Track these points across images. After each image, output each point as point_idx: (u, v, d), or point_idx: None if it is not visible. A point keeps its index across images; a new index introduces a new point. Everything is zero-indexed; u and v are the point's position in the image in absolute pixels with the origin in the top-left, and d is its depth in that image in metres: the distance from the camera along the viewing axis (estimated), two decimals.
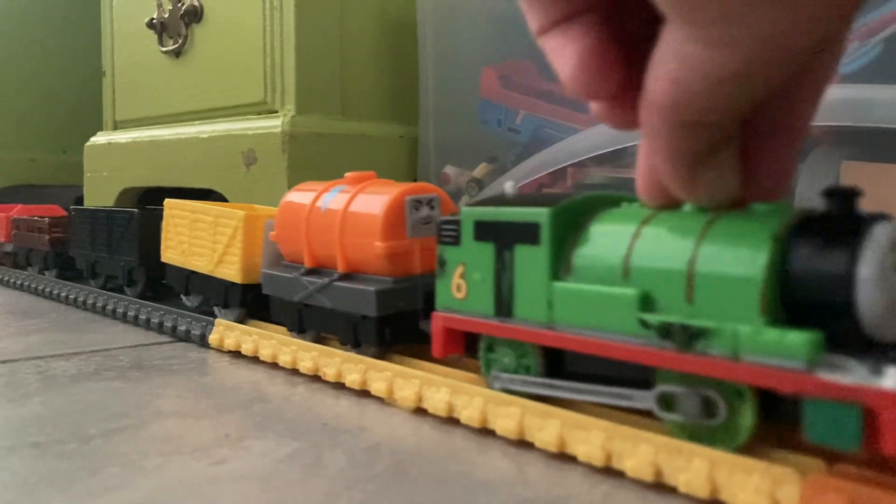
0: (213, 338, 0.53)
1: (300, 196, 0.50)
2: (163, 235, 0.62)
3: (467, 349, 0.38)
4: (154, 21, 1.08)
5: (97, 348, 0.54)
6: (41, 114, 1.83)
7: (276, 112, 0.90)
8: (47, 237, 0.83)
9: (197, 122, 1.01)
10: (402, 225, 0.43)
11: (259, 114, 0.92)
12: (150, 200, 1.22)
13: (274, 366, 0.49)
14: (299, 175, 0.85)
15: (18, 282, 0.85)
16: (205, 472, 0.31)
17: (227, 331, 0.53)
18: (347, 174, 0.49)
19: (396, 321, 0.44)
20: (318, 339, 0.48)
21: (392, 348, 0.44)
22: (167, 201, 0.62)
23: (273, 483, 0.30)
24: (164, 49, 1.07)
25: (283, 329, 0.51)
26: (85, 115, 1.69)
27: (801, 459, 0.27)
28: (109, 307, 0.66)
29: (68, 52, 1.84)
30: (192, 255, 0.59)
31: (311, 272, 0.47)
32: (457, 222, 0.37)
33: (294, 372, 0.47)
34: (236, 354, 0.52)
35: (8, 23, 1.80)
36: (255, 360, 0.50)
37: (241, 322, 0.54)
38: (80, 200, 1.31)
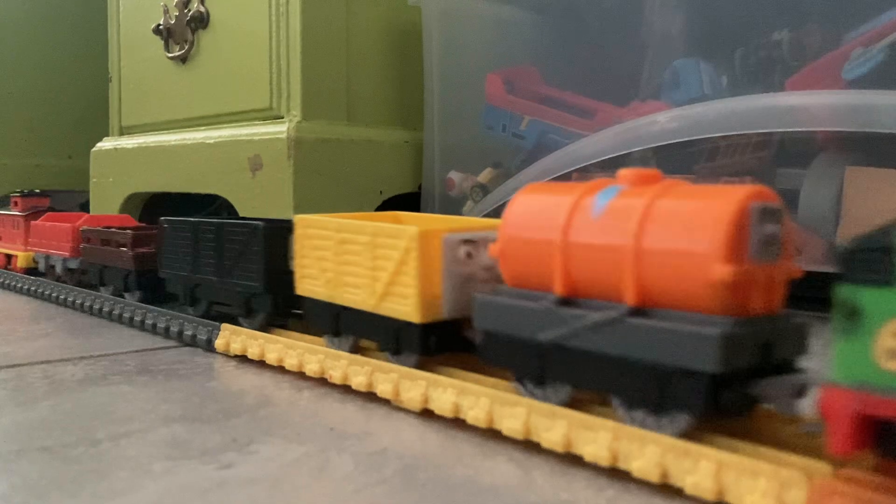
0: (219, 342, 0.53)
1: (545, 199, 0.36)
2: (296, 261, 0.48)
3: (881, 443, 0.25)
4: (160, 27, 1.08)
5: (104, 353, 0.55)
6: (47, 119, 1.84)
7: (282, 118, 0.90)
8: (131, 253, 0.67)
9: (203, 128, 1.01)
10: (745, 242, 0.29)
11: (265, 119, 0.92)
12: (155, 206, 1.22)
13: (280, 370, 0.49)
14: (305, 180, 0.85)
15: (24, 286, 0.85)
16: (213, 477, 0.31)
17: (233, 335, 0.53)
18: (622, 171, 0.34)
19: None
20: (568, 402, 0.35)
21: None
22: (299, 217, 0.47)
23: (281, 487, 0.30)
24: (170, 55, 1.08)
25: (289, 333, 0.51)
26: (91, 120, 1.70)
27: (808, 463, 0.27)
28: (116, 312, 0.66)
29: (74, 57, 1.85)
30: (343, 287, 0.44)
31: (568, 303, 0.34)
32: (887, 249, 0.24)
33: (300, 376, 0.47)
34: (242, 359, 0.52)
35: (14, 29, 1.81)
36: (261, 364, 0.50)
37: (421, 369, 0.40)
38: (85, 206, 1.32)
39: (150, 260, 0.66)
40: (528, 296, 0.35)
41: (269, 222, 0.52)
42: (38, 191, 0.99)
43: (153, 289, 0.66)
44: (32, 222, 0.90)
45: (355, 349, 0.45)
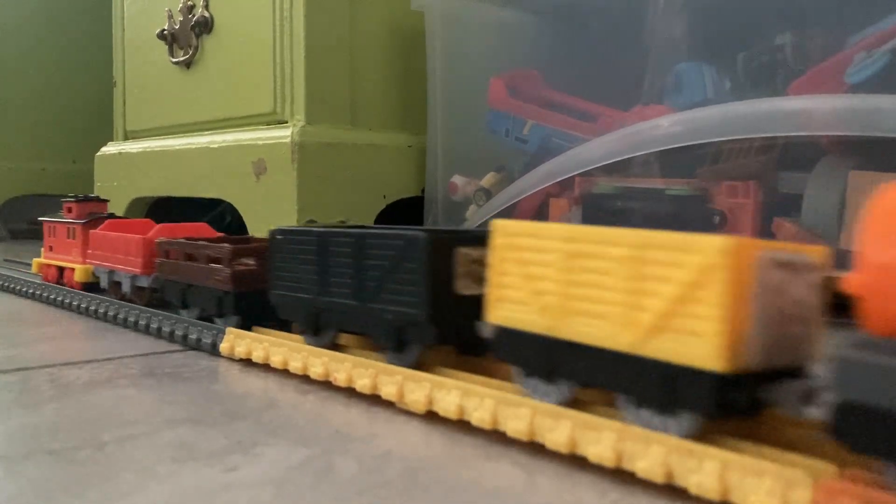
0: (223, 346, 0.54)
1: None
2: (492, 279, 0.37)
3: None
4: (165, 32, 1.09)
5: (109, 356, 0.55)
6: (52, 124, 1.85)
7: (286, 122, 0.90)
8: (228, 271, 0.55)
9: (207, 133, 1.02)
10: None
11: (269, 124, 0.93)
12: (158, 210, 1.23)
13: (285, 373, 0.49)
14: (309, 184, 0.85)
15: (30, 291, 0.85)
16: (218, 479, 0.31)
17: (237, 339, 0.53)
18: None
19: None
20: None
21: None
22: (501, 223, 0.37)
23: (285, 489, 0.30)
24: (174, 60, 1.08)
25: (292, 335, 0.51)
26: (96, 125, 1.70)
27: (813, 463, 0.27)
28: (120, 316, 0.66)
29: (79, 62, 1.86)
30: (573, 316, 0.34)
31: None
32: None
33: (305, 379, 0.47)
34: (247, 362, 0.52)
35: (19, 34, 1.82)
36: (265, 367, 0.51)
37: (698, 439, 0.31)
38: None
39: (251, 279, 0.55)
40: None
41: (432, 232, 0.41)
42: (95, 195, 0.87)
43: (255, 313, 0.55)
44: (92, 231, 0.77)
45: (571, 401, 0.34)
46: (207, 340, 0.55)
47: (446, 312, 0.40)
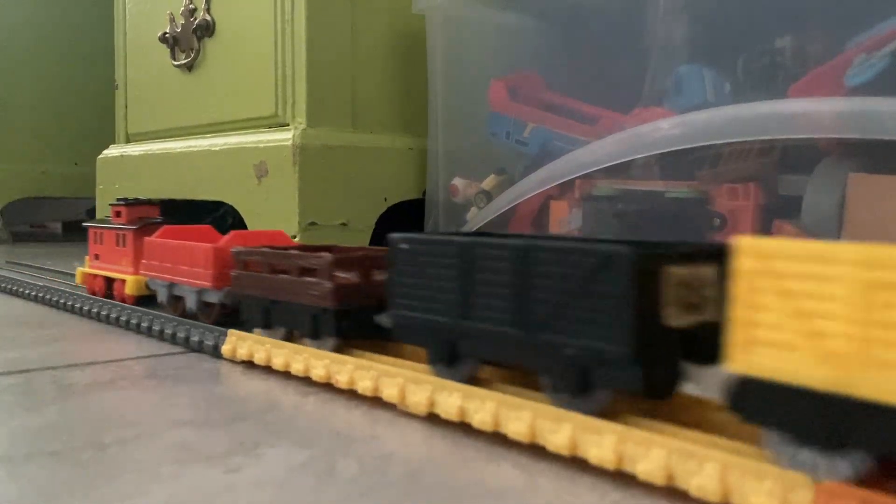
0: (225, 348, 0.54)
1: None
2: (737, 314, 0.28)
3: None
4: (166, 35, 1.09)
5: (111, 358, 0.55)
6: (54, 126, 1.85)
7: (288, 125, 0.91)
8: (329, 285, 0.46)
9: (209, 135, 1.02)
10: None
11: (270, 127, 0.93)
12: (161, 213, 1.23)
13: (286, 375, 0.49)
14: (310, 187, 0.86)
15: (32, 293, 0.85)
16: (220, 480, 0.31)
17: (239, 341, 0.53)
18: None
19: None
20: None
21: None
22: (750, 242, 0.28)
23: (287, 490, 0.30)
24: (176, 63, 1.08)
25: (295, 337, 0.51)
26: (97, 127, 1.71)
27: None
28: (123, 318, 0.66)
29: (81, 65, 1.87)
30: (876, 367, 0.25)
31: None
32: None
33: (307, 381, 0.47)
34: (249, 364, 0.52)
35: (21, 37, 1.83)
36: (267, 369, 0.51)
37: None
38: (91, 212, 1.32)
39: (354, 294, 0.47)
40: None
41: (634, 246, 0.32)
42: (147, 198, 0.78)
43: (355, 333, 0.47)
44: (147, 239, 0.68)
45: (863, 478, 0.26)
46: (209, 342, 0.56)
47: (654, 350, 0.32)
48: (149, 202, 0.76)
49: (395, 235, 0.42)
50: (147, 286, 0.69)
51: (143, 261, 0.67)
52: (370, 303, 0.46)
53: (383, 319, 0.45)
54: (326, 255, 0.47)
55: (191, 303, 0.61)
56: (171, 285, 0.64)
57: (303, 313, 0.49)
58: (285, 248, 0.54)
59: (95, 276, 0.78)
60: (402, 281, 0.42)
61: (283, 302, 0.50)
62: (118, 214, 0.75)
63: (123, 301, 0.70)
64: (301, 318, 0.49)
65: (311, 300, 0.48)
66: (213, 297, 0.59)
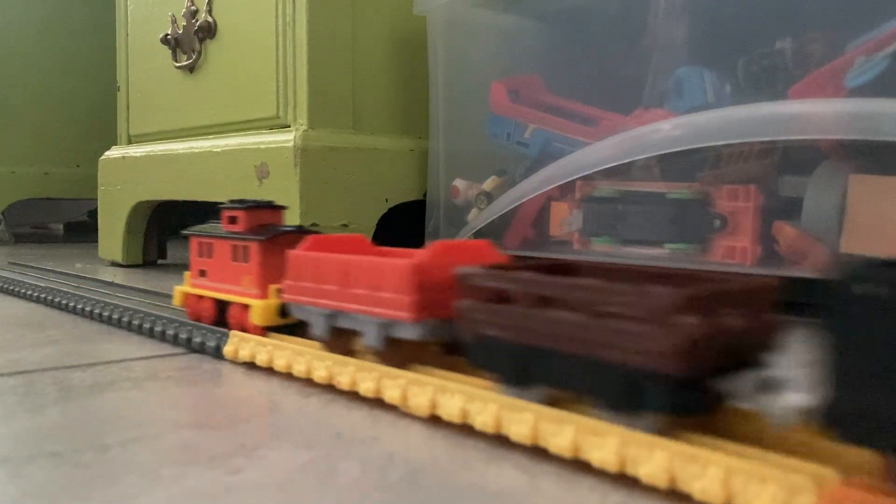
0: (227, 349, 0.54)
1: None
2: None
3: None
4: (168, 37, 1.09)
5: (113, 359, 0.55)
6: (56, 128, 1.85)
7: (289, 126, 0.91)
8: (671, 338, 0.30)
9: (210, 137, 1.02)
10: None
11: (272, 128, 0.93)
12: (162, 213, 1.23)
13: (288, 376, 0.49)
14: (312, 188, 0.86)
15: (34, 294, 0.86)
16: (221, 481, 0.31)
17: (241, 342, 0.53)
18: None
19: None
20: None
21: None
22: None
23: (288, 492, 0.30)
24: (177, 64, 1.09)
25: (296, 339, 0.51)
26: (99, 129, 1.71)
27: (816, 469, 0.27)
28: (125, 319, 0.67)
29: (83, 67, 1.87)
30: None
31: None
32: None
33: (308, 382, 0.48)
34: (251, 366, 0.52)
35: (23, 38, 1.83)
36: (269, 371, 0.51)
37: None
38: (93, 214, 1.32)
39: (708, 351, 0.30)
40: None
41: None
42: (268, 200, 0.61)
43: (697, 408, 0.31)
44: (293, 253, 0.51)
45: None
46: (211, 344, 0.56)
47: None
48: (269, 205, 0.60)
49: (854, 263, 0.26)
50: (282, 312, 0.54)
51: (288, 281, 0.51)
52: (717, 362, 0.31)
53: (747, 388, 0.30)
54: (663, 292, 0.30)
55: (370, 337, 0.45)
56: (335, 314, 0.48)
57: (603, 375, 0.33)
58: (562, 269, 0.40)
59: (201, 297, 0.61)
60: (857, 351, 0.25)
61: (559, 352, 0.35)
62: (232, 220, 0.59)
63: (245, 331, 0.55)
64: (598, 382, 0.33)
65: (628, 357, 0.32)
66: (409, 332, 0.43)
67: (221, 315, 0.59)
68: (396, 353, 0.44)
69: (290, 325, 0.54)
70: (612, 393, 0.32)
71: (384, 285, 0.44)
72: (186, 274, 0.63)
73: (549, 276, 0.36)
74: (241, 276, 0.58)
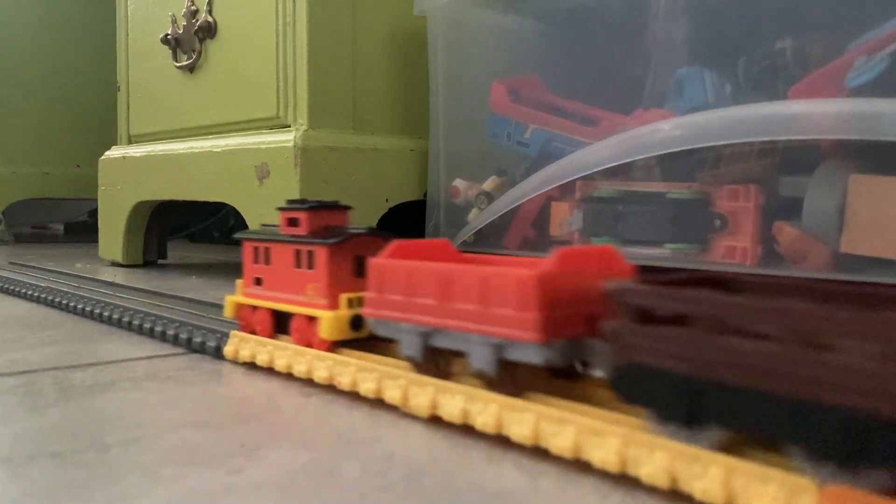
0: (228, 349, 0.54)
1: None
2: None
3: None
4: (168, 37, 1.09)
5: (113, 360, 0.55)
6: (56, 128, 1.85)
7: (289, 126, 0.91)
8: None
9: (210, 137, 1.02)
10: None
11: (272, 128, 0.93)
12: (162, 213, 1.23)
13: (289, 376, 0.49)
14: (312, 188, 0.86)
15: (34, 294, 0.86)
16: (222, 482, 0.31)
17: (242, 342, 0.53)
18: None
19: None
20: None
21: None
22: None
23: (289, 492, 0.30)
24: (178, 64, 1.09)
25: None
26: (99, 129, 1.71)
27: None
28: (125, 319, 0.67)
29: (83, 66, 1.87)
30: None
31: None
32: None
33: (309, 382, 0.48)
34: (251, 366, 0.52)
35: (23, 38, 1.83)
36: (269, 371, 0.51)
37: None
38: (93, 213, 1.32)
39: None
40: None
41: None
42: (333, 200, 0.54)
43: None
44: (375, 261, 0.44)
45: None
46: (212, 344, 0.56)
47: None
48: (334, 205, 0.53)
49: None
50: (355, 324, 0.48)
51: (371, 294, 0.44)
52: None
53: None
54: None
55: (480, 360, 0.38)
56: (432, 332, 0.41)
57: (816, 420, 0.27)
58: (767, 292, 0.33)
59: (256, 308, 0.55)
60: None
61: (748, 390, 0.28)
62: (292, 223, 0.52)
63: (309, 346, 0.49)
64: (805, 427, 0.27)
65: (854, 399, 0.26)
66: (532, 355, 0.36)
67: (280, 328, 0.53)
68: (510, 378, 0.38)
69: (360, 339, 0.48)
70: (826, 442, 0.26)
71: (499, 300, 0.37)
72: (239, 282, 0.56)
73: (737, 296, 0.29)
74: (305, 285, 0.51)
